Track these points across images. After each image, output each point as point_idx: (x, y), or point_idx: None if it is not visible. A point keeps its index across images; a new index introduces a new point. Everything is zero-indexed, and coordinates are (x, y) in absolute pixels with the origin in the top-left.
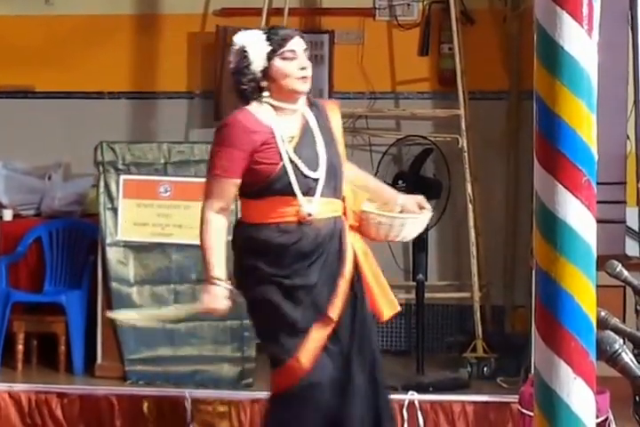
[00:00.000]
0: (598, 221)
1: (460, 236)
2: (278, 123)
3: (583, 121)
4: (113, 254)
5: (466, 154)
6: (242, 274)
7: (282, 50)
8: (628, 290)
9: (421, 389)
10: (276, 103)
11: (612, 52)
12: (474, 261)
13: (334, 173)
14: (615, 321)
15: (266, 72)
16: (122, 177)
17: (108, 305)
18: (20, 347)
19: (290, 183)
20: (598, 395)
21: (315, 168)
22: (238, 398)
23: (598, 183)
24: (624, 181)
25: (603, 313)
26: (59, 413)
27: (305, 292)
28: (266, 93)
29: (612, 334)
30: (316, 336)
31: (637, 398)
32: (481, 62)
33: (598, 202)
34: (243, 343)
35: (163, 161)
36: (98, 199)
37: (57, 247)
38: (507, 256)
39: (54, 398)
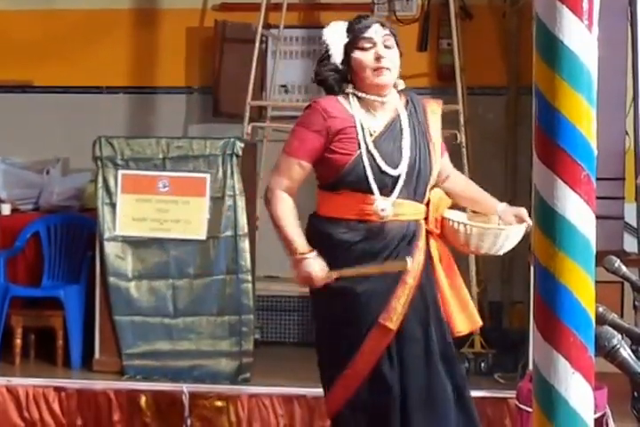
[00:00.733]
0: (597, 217)
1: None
2: (363, 114)
3: (583, 116)
4: (111, 249)
5: (464, 149)
6: None
7: (359, 40)
8: (626, 286)
9: None
10: (360, 94)
11: (612, 48)
12: (471, 257)
13: (418, 175)
14: (613, 317)
15: (348, 64)
16: (120, 172)
17: (106, 300)
18: (18, 341)
19: (365, 177)
20: (596, 390)
21: (395, 165)
22: (236, 393)
23: (597, 179)
24: (622, 177)
25: (601, 309)
26: (56, 407)
27: (366, 295)
28: (350, 85)
29: (610, 329)
30: (373, 345)
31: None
32: (480, 58)
33: (597, 198)
34: (241, 338)
35: (161, 156)
36: (96, 194)
37: (55, 242)
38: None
39: (52, 393)
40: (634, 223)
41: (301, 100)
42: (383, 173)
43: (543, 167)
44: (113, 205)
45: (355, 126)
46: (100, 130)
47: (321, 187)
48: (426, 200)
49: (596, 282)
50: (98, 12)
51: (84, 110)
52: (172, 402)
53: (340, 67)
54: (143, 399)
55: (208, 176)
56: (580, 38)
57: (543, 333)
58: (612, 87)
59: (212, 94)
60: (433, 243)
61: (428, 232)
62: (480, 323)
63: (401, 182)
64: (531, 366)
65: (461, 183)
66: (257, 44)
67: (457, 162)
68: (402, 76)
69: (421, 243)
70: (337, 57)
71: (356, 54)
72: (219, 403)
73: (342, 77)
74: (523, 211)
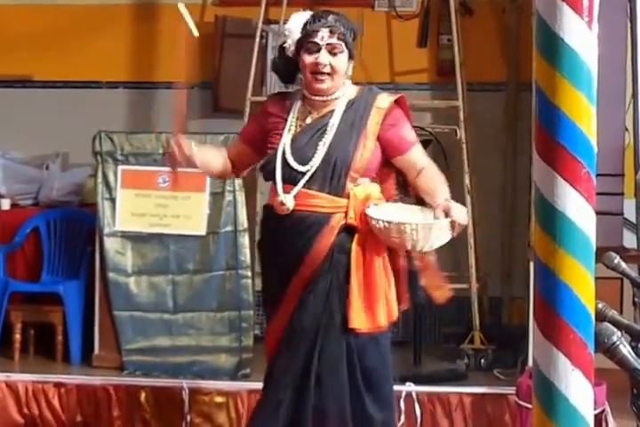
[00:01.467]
0: (596, 213)
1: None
2: (300, 111)
3: (583, 113)
4: (111, 244)
5: (464, 145)
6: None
7: (307, 40)
8: (626, 282)
9: (418, 380)
10: (305, 92)
11: (611, 45)
12: (471, 253)
13: (333, 169)
14: (613, 313)
15: (299, 60)
16: (120, 167)
17: (106, 295)
18: (18, 337)
19: (273, 170)
20: (596, 387)
21: (305, 161)
22: (236, 389)
23: (596, 175)
24: (622, 173)
25: (600, 305)
26: (56, 402)
27: (266, 283)
28: (298, 81)
29: (609, 326)
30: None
31: (635, 390)
32: (480, 54)
33: (596, 194)
34: (240, 334)
35: (161, 151)
36: (96, 189)
37: (54, 237)
38: (504, 248)
39: (51, 388)
40: (633, 219)
41: None
42: (291, 168)
43: (543, 164)
44: (113, 201)
45: (284, 121)
46: (100, 125)
47: None
48: (345, 194)
49: (596, 278)
50: (98, 7)
51: (83, 105)
52: (171, 398)
53: (294, 60)
54: (143, 395)
55: None
56: (580, 36)
57: (543, 330)
58: (612, 84)
59: (212, 90)
60: (357, 237)
61: (349, 226)
62: (382, 324)
63: (306, 177)
64: (530, 363)
65: (426, 178)
66: (257, 40)
67: (457, 158)
68: (402, 72)
69: (328, 235)
70: (291, 50)
71: (302, 55)
72: (218, 399)
73: (295, 68)
74: (452, 206)
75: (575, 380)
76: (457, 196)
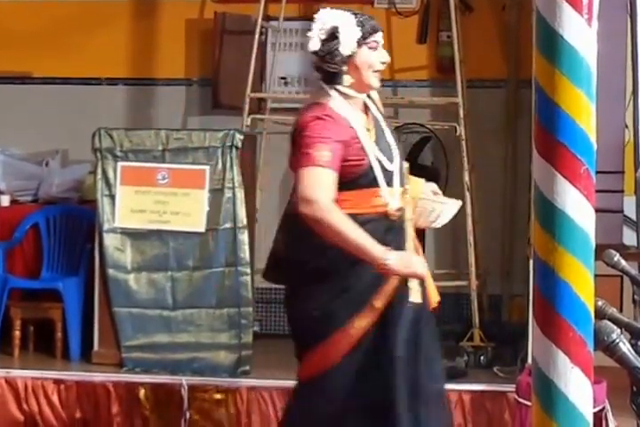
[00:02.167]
0: (596, 211)
1: (457, 224)
2: (353, 116)
3: (582, 110)
4: (110, 241)
5: (464, 142)
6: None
7: (371, 38)
8: (626, 280)
9: None
10: (350, 92)
11: (611, 42)
12: (471, 250)
13: (401, 164)
14: (612, 311)
15: (350, 58)
16: (119, 164)
17: (105, 292)
18: (17, 333)
19: (374, 179)
20: (595, 385)
21: (391, 160)
22: (235, 386)
23: (596, 172)
24: (622, 171)
25: (600, 303)
26: (55, 399)
27: (366, 282)
28: (347, 78)
29: (609, 323)
30: (359, 325)
31: (634, 388)
32: (479, 50)
33: (596, 191)
34: (240, 331)
35: (160, 148)
36: (95, 186)
37: (54, 234)
38: (504, 245)
39: (51, 385)
40: (633, 217)
41: (301, 92)
42: (387, 170)
43: (543, 162)
44: (112, 197)
45: (355, 131)
46: (100, 121)
47: None
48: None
49: (595, 276)
50: (97, 3)
51: (83, 102)
52: (170, 395)
53: (345, 59)
54: (142, 392)
55: (207, 168)
56: (579, 33)
57: (542, 327)
58: (612, 81)
59: (211, 86)
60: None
61: None
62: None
63: (397, 175)
64: (530, 361)
65: None
66: (256, 36)
67: (456, 155)
68: (401, 69)
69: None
70: (347, 49)
71: (366, 52)
72: (218, 396)
73: (343, 69)
74: (434, 186)
75: (575, 378)
76: (456, 193)
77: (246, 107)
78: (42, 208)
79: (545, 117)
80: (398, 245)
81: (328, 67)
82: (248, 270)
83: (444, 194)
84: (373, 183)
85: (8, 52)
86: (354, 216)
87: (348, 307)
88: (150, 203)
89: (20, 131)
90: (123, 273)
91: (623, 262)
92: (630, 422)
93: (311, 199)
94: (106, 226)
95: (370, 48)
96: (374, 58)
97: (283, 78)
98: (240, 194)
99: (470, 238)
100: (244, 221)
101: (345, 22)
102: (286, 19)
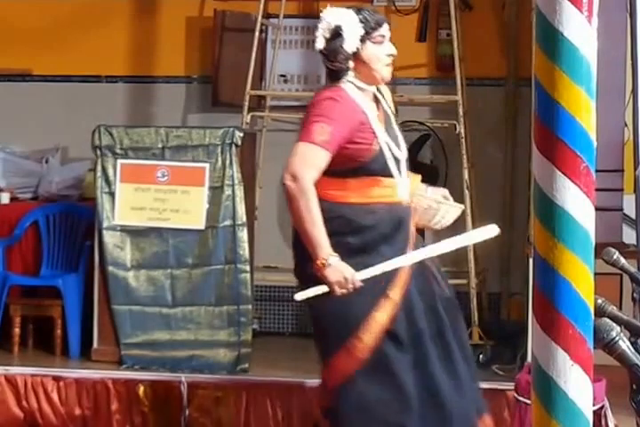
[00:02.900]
0: (596, 209)
1: (456, 222)
2: (365, 102)
3: (582, 108)
4: (110, 238)
5: (463, 140)
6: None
7: (375, 33)
8: (625, 278)
9: None
10: (361, 84)
11: (611, 39)
12: (470, 248)
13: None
14: (612, 309)
15: (356, 54)
16: (119, 161)
17: (105, 289)
18: (17, 330)
19: (386, 164)
20: (595, 382)
21: (400, 149)
22: (234, 383)
23: (596, 171)
24: (621, 169)
25: (600, 301)
26: (54, 396)
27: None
28: (351, 74)
29: (609, 321)
30: (380, 317)
31: (634, 386)
32: (479, 48)
33: (596, 190)
34: (239, 328)
35: (160, 145)
36: (95, 183)
37: (54, 231)
38: (503, 243)
39: (50, 382)
40: (633, 215)
41: (300, 89)
42: (396, 158)
43: (543, 159)
44: (112, 195)
45: (367, 117)
46: (100, 119)
47: (329, 173)
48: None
49: (595, 274)
50: (97, 1)
51: (83, 99)
52: (170, 392)
53: (350, 56)
54: (141, 389)
55: (207, 166)
56: (579, 30)
57: (542, 325)
58: (612, 79)
59: (211, 84)
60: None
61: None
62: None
63: (404, 166)
64: (529, 358)
65: None
66: (256, 34)
67: (456, 153)
68: (401, 67)
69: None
70: (351, 46)
71: (371, 47)
72: (217, 393)
73: (348, 66)
74: (446, 191)
75: (574, 375)
76: (456, 190)
77: (246, 104)
78: (41, 206)
79: (545, 115)
80: (404, 238)
81: (332, 65)
82: (247, 268)
83: None
84: (381, 170)
85: (8, 50)
86: (365, 205)
87: (365, 300)
88: (150, 200)
89: (19, 128)
90: (122, 270)
91: (622, 260)
92: (630, 420)
93: (296, 175)
94: (105, 223)
95: (374, 42)
96: (380, 52)
97: (282, 76)
98: (239, 191)
99: None
100: (244, 219)
101: (347, 20)
102: (286, 16)
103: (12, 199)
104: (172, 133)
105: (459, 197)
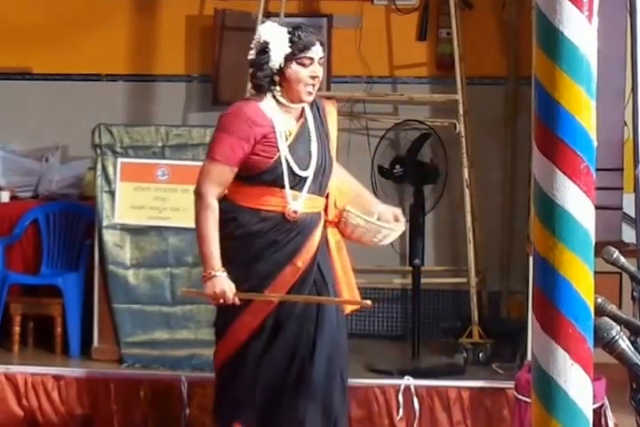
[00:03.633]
0: (595, 208)
1: (456, 221)
2: (280, 118)
3: (582, 107)
4: (109, 237)
5: (463, 139)
6: None
7: (301, 55)
8: (625, 277)
9: (417, 374)
10: (283, 101)
11: (611, 39)
12: (470, 247)
13: (323, 172)
14: (612, 308)
15: (281, 70)
16: (119, 160)
17: (105, 288)
18: (17, 329)
19: (281, 177)
20: (595, 381)
21: (305, 167)
22: None
23: (595, 170)
24: (621, 168)
25: (599, 300)
26: (55, 395)
27: (260, 276)
28: (278, 88)
29: (609, 320)
30: (247, 318)
31: (634, 385)
32: (479, 47)
33: (595, 188)
34: None
35: (160, 144)
36: (95, 182)
37: (54, 230)
38: (503, 242)
39: (50, 381)
40: (632, 214)
41: None
42: (295, 174)
43: (543, 158)
44: (112, 193)
45: (274, 131)
46: (100, 118)
47: (236, 176)
48: (326, 193)
49: (595, 273)
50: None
51: (83, 98)
52: (170, 391)
53: (275, 72)
54: (142, 388)
55: None
56: (579, 30)
57: (542, 324)
58: (612, 78)
59: (211, 82)
60: (330, 231)
61: (326, 221)
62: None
63: (309, 182)
64: (529, 357)
65: (346, 180)
66: None
67: (456, 152)
68: (401, 66)
69: (317, 232)
70: (275, 64)
71: (294, 68)
72: None
73: (273, 81)
74: (398, 211)
75: (574, 374)
76: (456, 190)
77: None
78: (41, 204)
79: (545, 114)
80: (296, 247)
81: (255, 78)
82: None
83: (444, 191)
84: (277, 182)
85: (8, 48)
86: (256, 211)
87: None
88: (150, 199)
89: (19, 127)
90: (122, 269)
91: (622, 259)
92: (629, 419)
93: (200, 192)
94: (105, 222)
95: (299, 64)
96: (303, 73)
97: None
98: None
99: (469, 235)
100: None
101: (276, 38)
102: (287, 15)
103: (12, 198)
104: (173, 132)
105: (459, 196)
